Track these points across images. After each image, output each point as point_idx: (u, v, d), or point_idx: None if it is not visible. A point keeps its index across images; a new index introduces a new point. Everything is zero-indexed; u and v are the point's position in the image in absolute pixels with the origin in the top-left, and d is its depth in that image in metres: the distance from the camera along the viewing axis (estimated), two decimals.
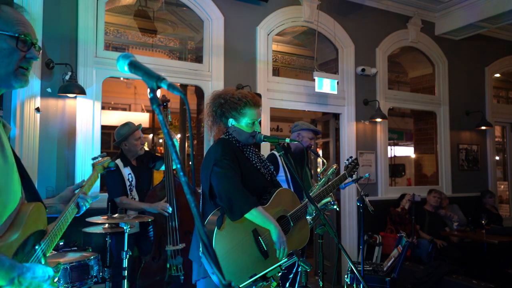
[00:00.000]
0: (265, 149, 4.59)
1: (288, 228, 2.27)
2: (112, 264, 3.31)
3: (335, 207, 2.90)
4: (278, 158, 3.49)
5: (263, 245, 2.12)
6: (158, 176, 4.11)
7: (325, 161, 3.40)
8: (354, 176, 3.10)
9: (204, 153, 4.57)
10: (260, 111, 2.33)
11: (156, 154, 8.53)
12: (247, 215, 2.07)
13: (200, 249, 2.09)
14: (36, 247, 1.27)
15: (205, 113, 2.35)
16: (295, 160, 3.58)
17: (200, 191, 2.31)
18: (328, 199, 2.89)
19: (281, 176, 3.56)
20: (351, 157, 3.08)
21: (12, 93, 3.51)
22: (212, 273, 2.03)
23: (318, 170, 5.33)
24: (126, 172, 3.49)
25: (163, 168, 3.69)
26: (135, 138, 3.55)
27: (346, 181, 2.98)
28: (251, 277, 1.71)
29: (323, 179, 3.27)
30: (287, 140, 2.31)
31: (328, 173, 3.29)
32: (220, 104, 2.28)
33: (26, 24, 1.25)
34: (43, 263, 1.27)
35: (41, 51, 1.28)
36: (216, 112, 2.29)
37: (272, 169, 2.43)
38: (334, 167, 3.33)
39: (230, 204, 2.05)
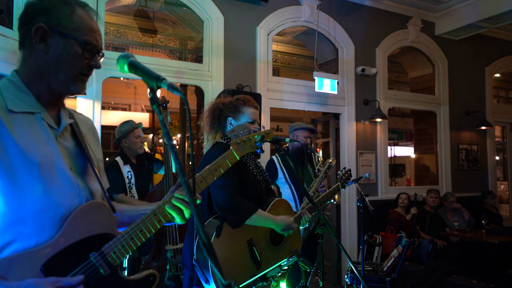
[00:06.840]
0: (265, 149, 4.59)
1: (282, 239, 2.28)
2: None
3: (331, 200, 2.92)
4: (276, 162, 3.62)
5: (257, 255, 2.12)
6: (158, 177, 4.10)
7: (320, 157, 3.47)
8: (349, 180, 3.12)
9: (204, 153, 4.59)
10: (257, 114, 2.35)
11: (157, 154, 8.61)
12: (248, 222, 2.09)
13: (194, 257, 2.08)
14: (90, 254, 1.13)
15: (204, 120, 2.38)
16: (293, 160, 3.60)
17: None
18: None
19: (281, 179, 3.59)
20: (344, 168, 3.12)
21: None
22: (205, 282, 2.01)
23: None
24: (126, 170, 3.49)
25: (162, 172, 3.69)
26: (135, 136, 3.55)
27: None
28: (251, 277, 1.71)
29: (321, 174, 3.34)
30: (287, 140, 2.30)
31: (325, 167, 3.33)
32: (218, 108, 2.33)
33: (96, 32, 1.21)
34: (103, 273, 1.13)
35: (103, 57, 1.25)
36: (214, 115, 2.33)
37: (267, 176, 2.43)
38: (330, 161, 3.37)
39: (230, 214, 2.08)
